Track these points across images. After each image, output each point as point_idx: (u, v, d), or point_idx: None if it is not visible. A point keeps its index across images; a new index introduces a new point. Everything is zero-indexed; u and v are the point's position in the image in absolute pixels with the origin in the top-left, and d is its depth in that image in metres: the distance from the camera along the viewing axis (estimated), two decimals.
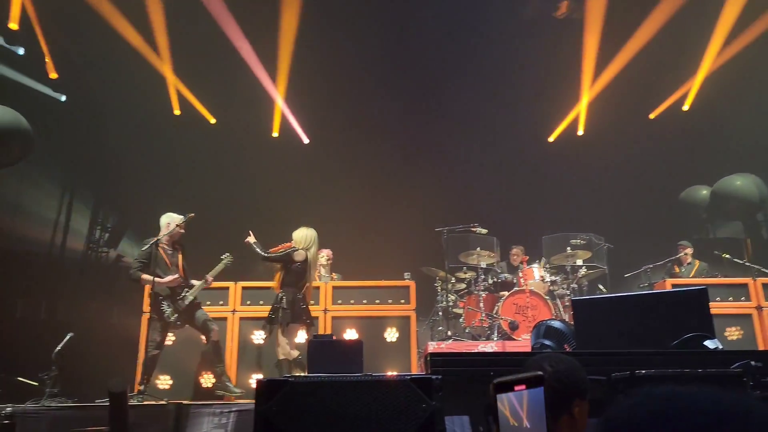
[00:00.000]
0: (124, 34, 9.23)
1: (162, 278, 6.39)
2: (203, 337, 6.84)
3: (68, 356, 6.41)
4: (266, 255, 6.62)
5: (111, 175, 10.73)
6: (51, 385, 5.99)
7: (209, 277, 6.72)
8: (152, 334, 6.40)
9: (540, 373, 1.23)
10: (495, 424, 1.19)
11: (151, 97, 10.20)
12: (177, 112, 10.52)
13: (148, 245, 6.43)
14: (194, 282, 6.74)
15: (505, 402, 1.20)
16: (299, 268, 6.53)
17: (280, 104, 10.79)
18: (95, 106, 9.97)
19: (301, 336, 6.81)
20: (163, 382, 7.11)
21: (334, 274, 8.54)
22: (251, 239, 6.57)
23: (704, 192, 10.57)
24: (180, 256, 6.70)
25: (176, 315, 6.45)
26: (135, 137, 10.37)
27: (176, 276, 6.47)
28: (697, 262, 8.88)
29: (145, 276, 6.38)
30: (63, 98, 9.40)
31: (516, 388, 1.21)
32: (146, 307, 7.10)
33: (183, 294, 6.52)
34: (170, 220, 6.63)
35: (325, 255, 8.46)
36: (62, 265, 9.94)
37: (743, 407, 0.76)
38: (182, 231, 6.68)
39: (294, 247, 6.58)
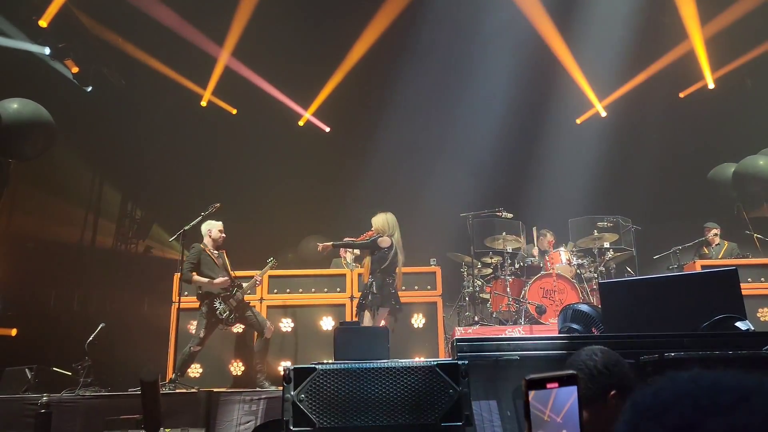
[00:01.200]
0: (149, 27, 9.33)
1: (213, 279, 6.67)
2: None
3: (101, 346, 6.56)
4: (352, 242, 6.88)
5: (138, 167, 10.88)
6: (85, 375, 6.14)
7: (258, 277, 7.03)
8: (198, 330, 6.63)
9: (573, 372, 1.22)
10: (527, 421, 1.19)
11: (179, 88, 10.28)
12: (203, 103, 10.60)
13: (195, 249, 6.81)
14: (243, 283, 6.98)
15: (537, 399, 1.20)
16: (386, 253, 6.59)
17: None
18: (122, 99, 10.07)
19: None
20: (194, 370, 7.23)
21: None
22: (326, 245, 6.71)
23: (733, 170, 10.33)
24: (225, 258, 7.01)
25: (228, 312, 6.65)
26: (161, 129, 10.48)
27: (226, 278, 6.75)
28: (726, 243, 8.71)
29: (197, 277, 6.67)
30: (89, 89, 9.50)
31: (548, 385, 1.20)
32: (175, 297, 7.22)
33: (234, 292, 6.75)
34: (210, 227, 6.98)
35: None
36: (93, 257, 10.14)
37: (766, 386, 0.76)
38: (223, 235, 7.01)
39: (378, 234, 6.64)
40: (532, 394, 1.18)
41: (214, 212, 6.89)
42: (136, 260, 10.97)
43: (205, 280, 6.63)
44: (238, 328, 7.24)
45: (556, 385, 1.18)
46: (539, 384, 1.18)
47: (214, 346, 7.22)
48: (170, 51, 9.73)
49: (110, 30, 9.29)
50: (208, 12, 9.35)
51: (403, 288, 7.60)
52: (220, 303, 6.63)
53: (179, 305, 6.83)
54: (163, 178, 10.88)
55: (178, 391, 5.95)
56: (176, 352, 6.73)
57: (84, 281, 9.74)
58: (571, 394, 1.17)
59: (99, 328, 6.59)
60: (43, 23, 8.29)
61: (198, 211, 6.94)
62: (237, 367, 7.34)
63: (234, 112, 10.96)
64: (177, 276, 7.26)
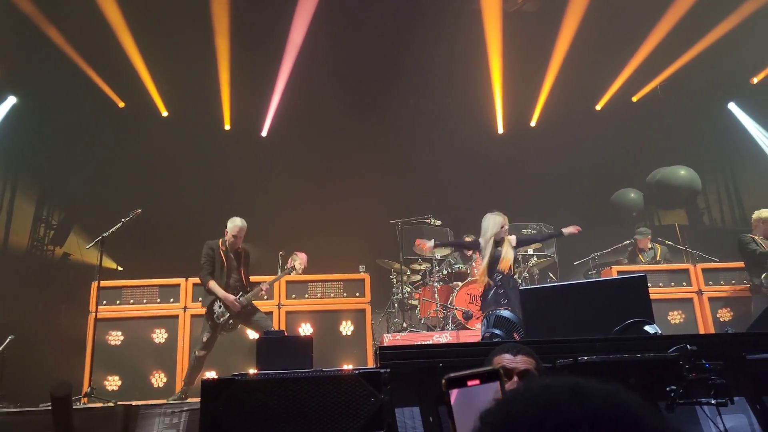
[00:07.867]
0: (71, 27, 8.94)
1: (221, 282, 6.47)
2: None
3: (11, 359, 6.21)
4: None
5: (56, 170, 10.36)
6: None
7: (265, 285, 6.76)
8: (202, 333, 6.43)
9: (496, 367, 1.23)
10: (450, 421, 1.18)
11: (98, 88, 9.89)
12: (121, 104, 10.27)
13: (207, 247, 6.56)
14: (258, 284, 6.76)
15: (458, 397, 1.19)
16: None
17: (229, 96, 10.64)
18: (40, 99, 9.59)
19: None
20: (112, 383, 6.95)
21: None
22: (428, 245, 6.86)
23: (632, 195, 11.10)
24: (242, 260, 6.70)
25: (226, 316, 6.42)
26: (82, 130, 10.04)
27: (233, 298, 6.43)
28: (658, 246, 9.10)
29: (213, 285, 6.43)
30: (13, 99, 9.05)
31: (469, 383, 1.20)
32: (93, 307, 6.93)
33: (238, 297, 6.50)
34: (228, 227, 6.66)
35: (299, 259, 8.49)
36: (4, 264, 9.56)
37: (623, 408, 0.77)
38: (234, 239, 6.63)
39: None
40: (453, 393, 1.17)
41: (134, 218, 6.64)
42: (52, 267, 10.42)
43: (221, 291, 6.37)
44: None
45: (477, 382, 1.18)
46: (460, 382, 1.18)
47: (132, 356, 6.97)
48: (91, 52, 9.37)
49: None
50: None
51: (332, 295, 7.59)
52: (219, 306, 6.41)
53: (96, 315, 6.55)
54: (82, 182, 10.38)
55: (93, 405, 5.70)
56: (92, 364, 6.42)
57: None
58: (493, 390, 1.18)
59: (8, 339, 6.24)
60: None
61: (119, 217, 6.69)
62: (158, 379, 7.09)
63: (165, 114, 10.61)
64: (95, 284, 6.96)
